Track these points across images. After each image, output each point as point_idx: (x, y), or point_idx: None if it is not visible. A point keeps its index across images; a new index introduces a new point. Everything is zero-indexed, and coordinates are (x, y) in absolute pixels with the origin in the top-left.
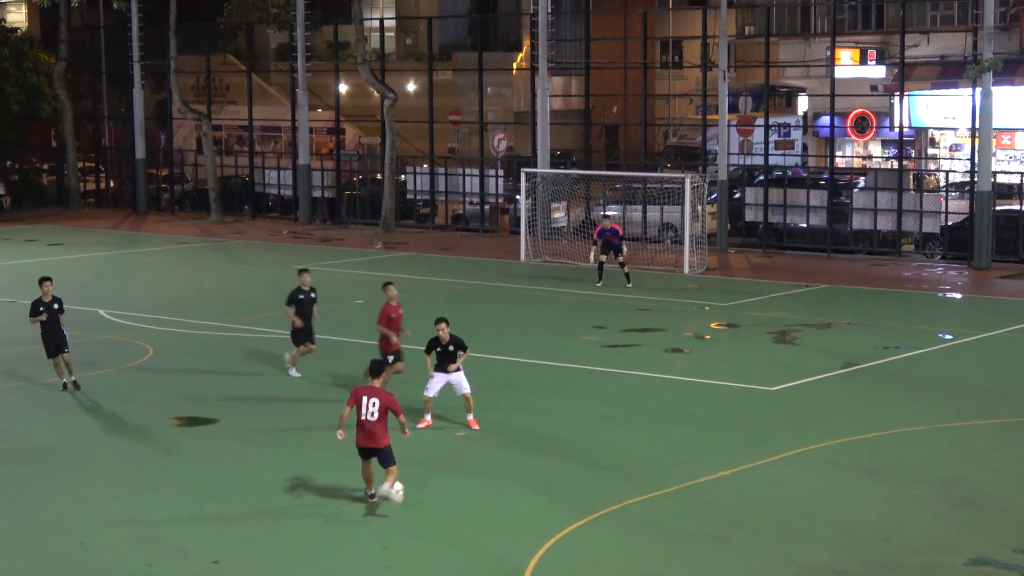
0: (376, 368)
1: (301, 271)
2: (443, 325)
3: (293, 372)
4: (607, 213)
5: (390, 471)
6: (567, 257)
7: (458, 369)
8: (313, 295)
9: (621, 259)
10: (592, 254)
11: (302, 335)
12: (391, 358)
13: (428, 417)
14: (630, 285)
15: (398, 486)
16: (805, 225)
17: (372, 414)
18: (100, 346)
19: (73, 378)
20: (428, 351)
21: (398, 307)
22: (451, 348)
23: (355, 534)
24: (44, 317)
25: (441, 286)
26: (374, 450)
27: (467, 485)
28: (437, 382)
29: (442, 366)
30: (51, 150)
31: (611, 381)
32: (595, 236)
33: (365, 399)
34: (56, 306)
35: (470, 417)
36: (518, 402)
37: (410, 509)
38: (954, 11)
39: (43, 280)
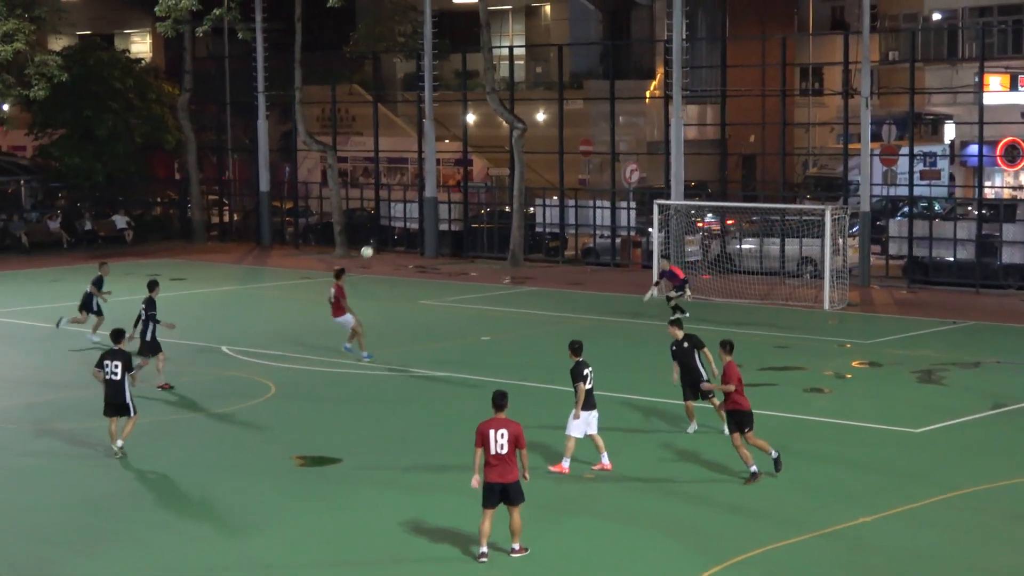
0: (499, 400)
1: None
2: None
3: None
4: (665, 254)
5: (516, 518)
6: (701, 292)
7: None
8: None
9: (671, 294)
10: (650, 293)
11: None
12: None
13: (566, 463)
14: (687, 315)
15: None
16: (952, 259)
17: (502, 447)
18: (222, 383)
19: (121, 443)
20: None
21: None
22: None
23: None
24: (105, 375)
25: (569, 322)
26: (505, 486)
27: (597, 529)
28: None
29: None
30: (175, 182)
31: None
32: (656, 278)
33: (493, 432)
34: (117, 362)
35: (605, 458)
36: (650, 442)
37: (537, 555)
38: None
39: (117, 334)
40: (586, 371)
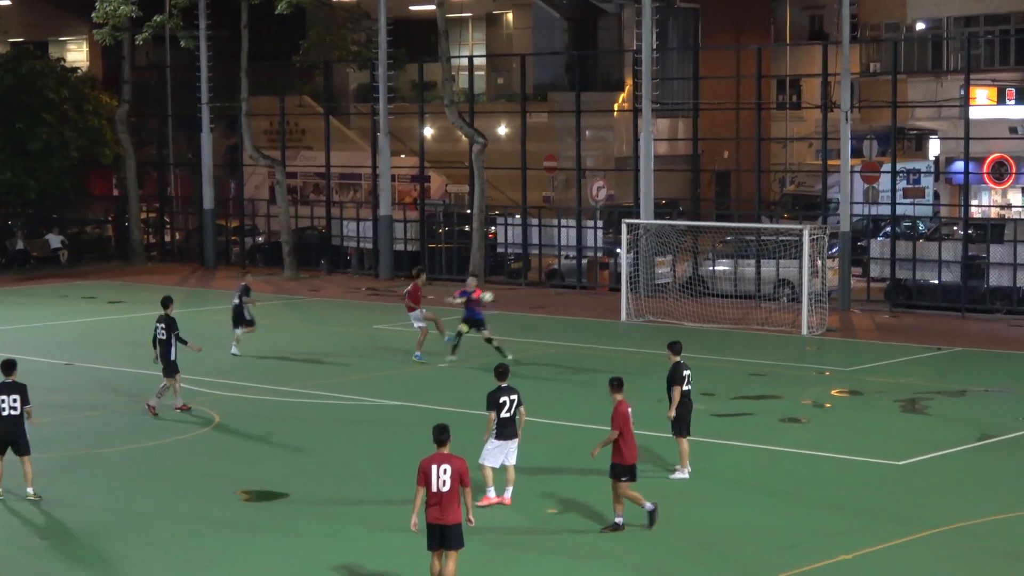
0: (440, 435)
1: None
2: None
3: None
4: (473, 273)
5: (451, 566)
6: (672, 316)
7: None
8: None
9: (486, 334)
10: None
11: None
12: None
13: (491, 493)
14: (510, 358)
15: None
16: (937, 281)
17: (444, 483)
18: (163, 413)
19: (31, 490)
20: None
21: None
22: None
23: None
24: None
25: (533, 348)
26: (443, 528)
27: (558, 568)
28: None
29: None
30: (113, 199)
31: (720, 453)
32: (456, 294)
33: (435, 468)
34: (14, 396)
35: (507, 493)
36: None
37: None
38: None
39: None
40: (504, 399)
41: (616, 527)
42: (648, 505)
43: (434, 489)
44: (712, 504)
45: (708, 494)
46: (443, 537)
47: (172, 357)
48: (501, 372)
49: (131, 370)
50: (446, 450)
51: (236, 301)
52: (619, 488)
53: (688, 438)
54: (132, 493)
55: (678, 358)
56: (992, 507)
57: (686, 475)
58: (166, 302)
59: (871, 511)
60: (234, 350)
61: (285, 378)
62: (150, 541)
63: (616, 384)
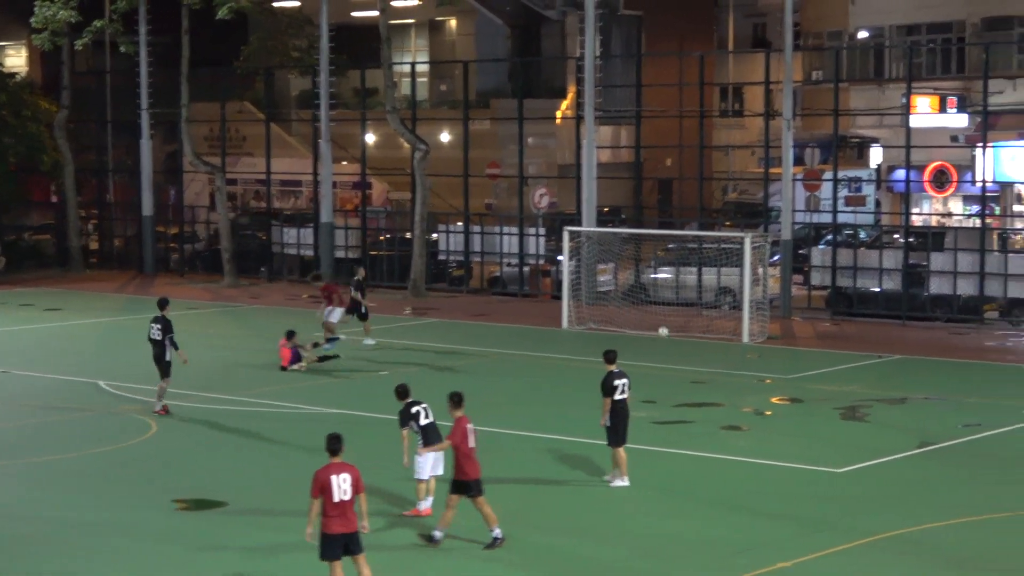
0: (335, 444)
1: None
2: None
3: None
4: (318, 274)
5: (366, 566)
6: (614, 324)
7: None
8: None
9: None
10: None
11: None
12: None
13: (423, 505)
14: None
15: None
16: (878, 289)
17: (345, 492)
18: (99, 421)
19: None
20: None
21: None
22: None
23: None
24: None
25: (474, 356)
26: (348, 536)
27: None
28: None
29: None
30: (51, 206)
31: (661, 461)
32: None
33: (335, 478)
34: None
35: (425, 504)
36: (556, 485)
37: None
38: None
39: None
40: (415, 409)
41: (495, 542)
42: (496, 532)
43: (336, 499)
44: (652, 513)
45: (648, 503)
46: (347, 545)
47: (167, 358)
48: (401, 391)
49: (68, 378)
50: (340, 459)
51: (354, 295)
52: (475, 503)
53: (625, 446)
54: (63, 502)
55: (613, 366)
56: (931, 515)
57: (626, 482)
58: (162, 303)
59: (811, 519)
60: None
61: (223, 386)
62: (76, 550)
63: (456, 400)
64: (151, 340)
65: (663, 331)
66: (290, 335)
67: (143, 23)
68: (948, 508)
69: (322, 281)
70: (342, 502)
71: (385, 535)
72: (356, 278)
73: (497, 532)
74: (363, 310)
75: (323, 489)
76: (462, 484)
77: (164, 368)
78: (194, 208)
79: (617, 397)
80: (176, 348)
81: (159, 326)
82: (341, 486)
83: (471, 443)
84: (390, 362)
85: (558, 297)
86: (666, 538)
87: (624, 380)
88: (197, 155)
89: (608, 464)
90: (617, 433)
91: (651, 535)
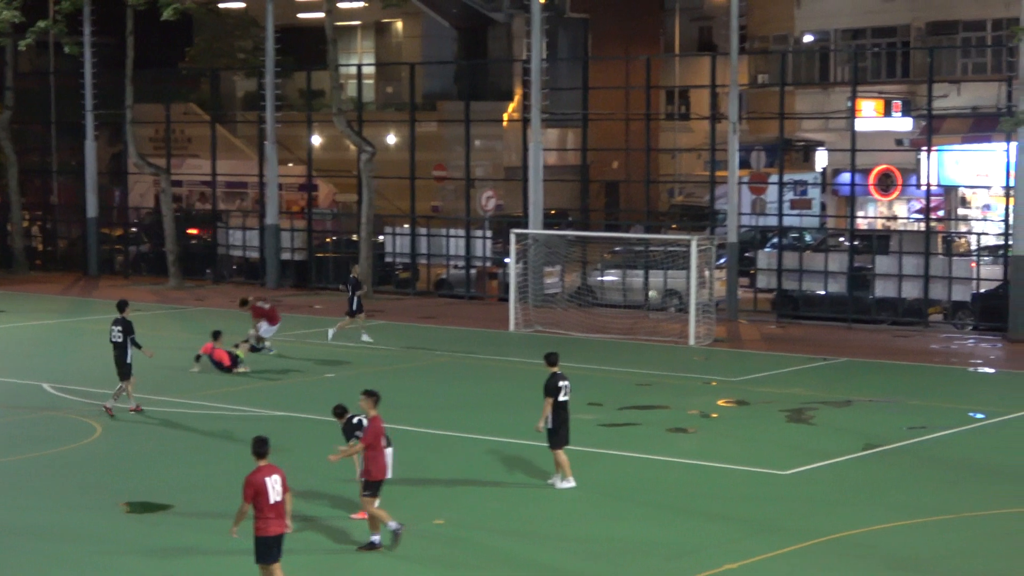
0: (262, 448)
1: None
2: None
3: None
4: (244, 300)
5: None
6: (561, 327)
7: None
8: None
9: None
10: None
11: None
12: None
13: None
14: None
15: None
16: (823, 292)
17: (279, 493)
18: (43, 424)
19: None
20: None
21: None
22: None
23: None
24: None
25: (420, 358)
26: (280, 537)
27: None
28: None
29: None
30: None
31: (606, 464)
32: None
33: (269, 481)
34: None
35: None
36: (500, 488)
37: None
38: (987, 59)
39: None
40: (357, 418)
41: (372, 546)
42: (392, 524)
43: (272, 501)
44: (598, 515)
45: (593, 505)
46: (279, 546)
47: (128, 360)
48: (337, 411)
49: (11, 380)
50: (266, 461)
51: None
52: (364, 503)
53: (566, 448)
54: (6, 506)
55: (556, 368)
56: (876, 517)
57: (572, 483)
58: (122, 305)
59: (756, 521)
60: (365, 337)
61: (169, 388)
62: (21, 555)
63: (370, 397)
64: (112, 342)
65: (653, 293)
66: (216, 335)
67: (87, 24)
68: (893, 510)
69: (247, 305)
70: (277, 503)
71: (315, 539)
72: (352, 276)
73: (393, 525)
74: (354, 307)
75: (258, 492)
76: (368, 484)
77: (125, 370)
78: (139, 209)
79: (560, 399)
80: (139, 347)
81: (119, 328)
82: (275, 487)
83: (382, 443)
84: (336, 363)
85: (505, 300)
86: (612, 541)
87: (567, 382)
88: (142, 156)
89: (551, 466)
90: (559, 435)
91: (597, 538)
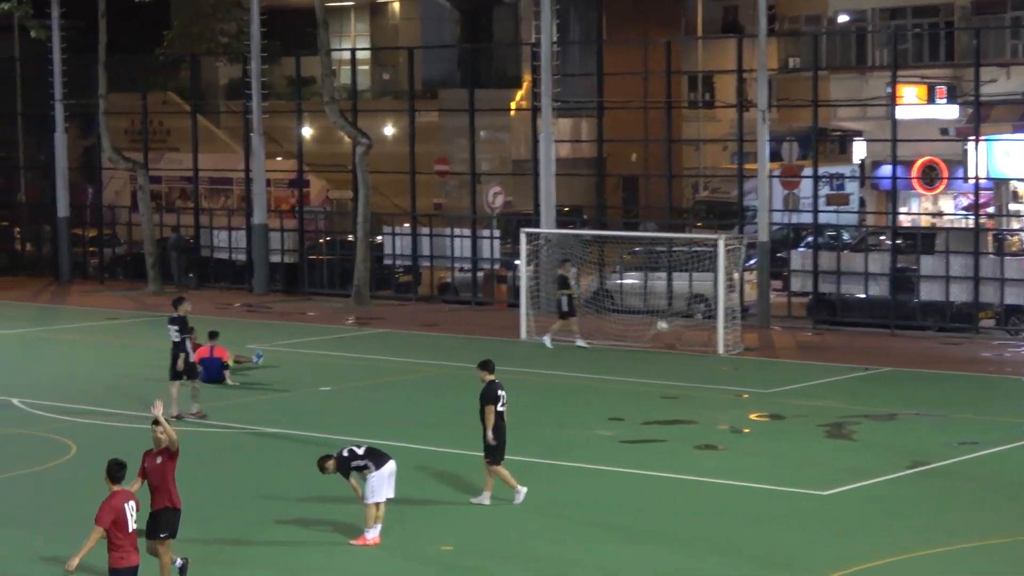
0: (119, 472)
1: None
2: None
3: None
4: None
5: None
6: (577, 334)
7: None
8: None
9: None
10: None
11: None
12: None
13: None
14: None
15: None
16: (863, 296)
17: (135, 520)
18: (12, 442)
19: None
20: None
21: None
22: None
23: None
24: None
25: (423, 369)
26: (136, 568)
27: None
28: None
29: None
30: None
31: (628, 484)
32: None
33: (127, 507)
34: None
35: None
36: (513, 510)
37: None
38: None
39: None
40: (347, 453)
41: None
42: (178, 561)
43: (130, 529)
44: (617, 540)
45: (611, 527)
46: None
47: (190, 359)
48: (321, 464)
49: None
50: (121, 486)
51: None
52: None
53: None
54: None
55: (492, 376)
56: (924, 541)
57: (488, 501)
58: (177, 302)
59: (793, 544)
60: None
61: (147, 403)
62: None
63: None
64: (173, 343)
65: (662, 324)
66: (213, 335)
67: (55, 6)
68: (942, 534)
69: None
70: (134, 532)
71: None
72: (560, 274)
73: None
74: (564, 308)
75: (117, 520)
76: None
77: (190, 369)
78: (114, 208)
79: (499, 409)
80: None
81: (176, 327)
82: (132, 515)
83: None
84: (332, 375)
85: (515, 305)
86: (631, 568)
87: (504, 392)
88: (117, 150)
89: (520, 479)
90: (502, 449)
91: (615, 567)
